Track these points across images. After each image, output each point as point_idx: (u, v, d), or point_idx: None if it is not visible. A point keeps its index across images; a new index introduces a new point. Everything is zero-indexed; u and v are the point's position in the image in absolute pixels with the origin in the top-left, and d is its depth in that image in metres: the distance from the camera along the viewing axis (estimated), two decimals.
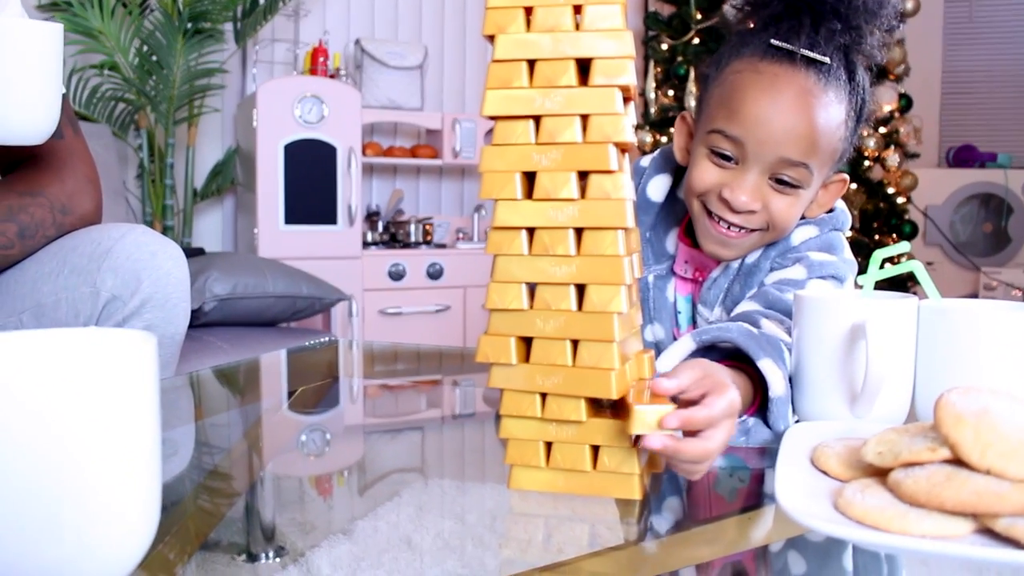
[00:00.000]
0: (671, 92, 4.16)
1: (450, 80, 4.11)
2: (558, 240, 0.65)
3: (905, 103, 4.04)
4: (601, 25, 0.64)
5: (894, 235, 3.97)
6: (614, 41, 0.64)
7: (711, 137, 1.05)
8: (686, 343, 0.90)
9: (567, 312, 0.65)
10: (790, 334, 0.88)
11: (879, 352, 0.73)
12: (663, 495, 0.72)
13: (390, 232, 3.68)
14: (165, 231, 3.17)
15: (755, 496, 0.75)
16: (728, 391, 0.67)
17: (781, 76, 1.02)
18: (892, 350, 0.77)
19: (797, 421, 0.83)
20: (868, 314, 0.76)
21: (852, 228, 3.88)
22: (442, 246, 3.72)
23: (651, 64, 4.22)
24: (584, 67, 0.65)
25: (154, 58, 3.11)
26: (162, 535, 0.58)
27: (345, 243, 3.31)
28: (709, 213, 1.08)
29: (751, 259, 1.11)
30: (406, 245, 3.61)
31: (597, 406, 0.70)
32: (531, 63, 0.66)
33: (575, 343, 0.66)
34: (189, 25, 3.08)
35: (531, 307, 0.66)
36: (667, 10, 4.28)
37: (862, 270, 0.87)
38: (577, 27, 0.65)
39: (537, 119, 0.66)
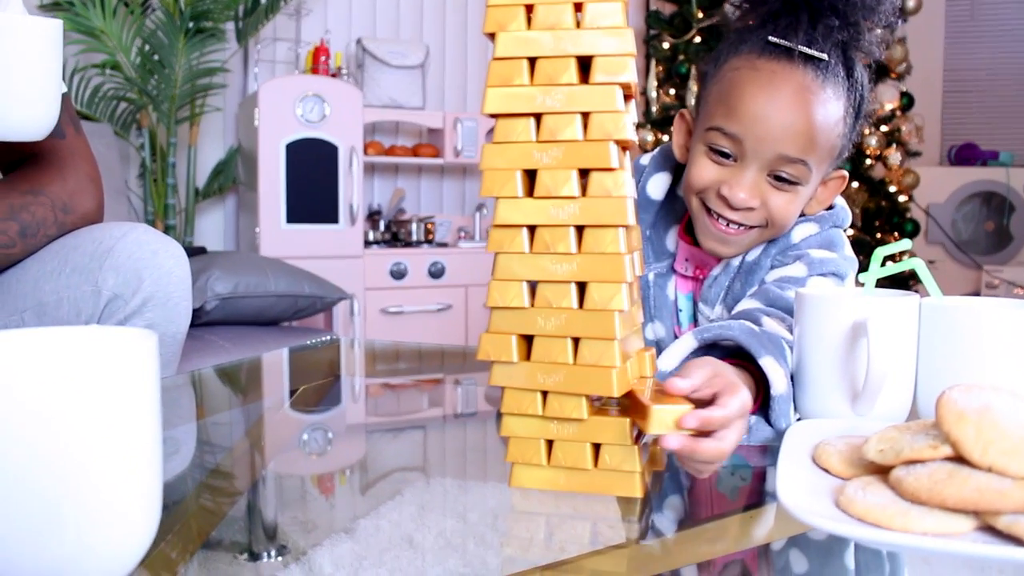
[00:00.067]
0: (672, 91, 4.16)
1: (451, 79, 4.11)
2: (559, 238, 0.65)
3: (907, 101, 4.04)
4: (602, 23, 0.64)
5: (896, 233, 3.97)
6: (615, 39, 0.64)
7: (710, 134, 1.05)
8: (687, 341, 0.89)
9: (568, 310, 0.65)
10: (791, 332, 0.87)
11: (881, 350, 0.73)
12: (664, 493, 0.72)
13: (392, 231, 3.68)
14: (167, 230, 3.17)
15: (757, 494, 0.75)
16: (741, 391, 0.68)
17: (779, 73, 1.02)
18: (894, 348, 0.77)
19: (799, 419, 0.83)
20: (870, 312, 0.76)
21: (854, 227, 3.88)
22: (444, 245, 3.72)
23: (652, 63, 4.22)
24: (585, 65, 0.65)
25: (156, 57, 3.11)
26: (164, 534, 0.58)
27: (347, 242, 3.31)
28: (708, 210, 1.08)
29: (752, 257, 1.11)
30: (408, 244, 3.61)
31: (602, 404, 0.70)
32: (532, 61, 0.65)
33: (576, 341, 0.66)
34: (191, 24, 3.09)
35: (532, 305, 0.66)
36: (668, 9, 4.27)
37: (864, 268, 0.87)
38: (578, 25, 0.65)
39: (538, 117, 0.66)
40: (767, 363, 0.81)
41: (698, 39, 4.06)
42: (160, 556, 0.56)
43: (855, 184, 3.94)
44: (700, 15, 4.03)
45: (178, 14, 3.05)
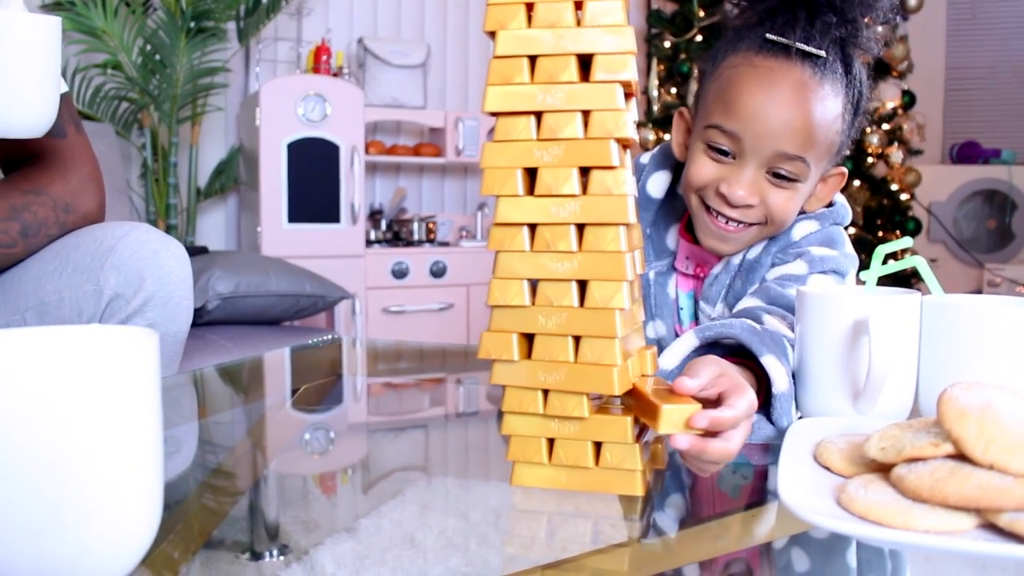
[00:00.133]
0: (674, 90, 4.16)
1: (453, 78, 4.11)
2: (559, 236, 0.65)
3: (908, 100, 4.04)
4: (602, 21, 0.64)
5: (898, 232, 3.97)
6: (615, 37, 0.64)
7: (708, 132, 1.06)
8: (689, 339, 0.89)
9: (569, 308, 0.65)
10: (792, 329, 0.87)
11: (882, 348, 0.73)
12: (666, 492, 0.72)
13: (393, 230, 3.68)
14: (169, 230, 3.17)
15: (758, 493, 0.74)
16: (748, 391, 0.68)
17: (777, 70, 1.02)
18: (895, 346, 0.77)
19: (800, 417, 0.83)
20: (871, 310, 0.75)
21: (856, 225, 3.88)
22: (445, 244, 3.72)
23: (654, 62, 4.22)
24: (585, 63, 0.65)
25: (157, 57, 3.11)
26: (165, 533, 0.58)
27: (348, 241, 3.31)
28: (707, 208, 1.08)
29: (752, 255, 1.11)
30: (409, 243, 3.62)
31: (603, 403, 0.70)
32: (532, 59, 0.65)
33: (577, 339, 0.65)
34: (192, 24, 3.09)
35: (533, 303, 0.66)
36: (670, 8, 4.28)
37: (865, 266, 0.87)
38: (578, 23, 0.65)
39: (538, 115, 0.66)
40: (769, 361, 0.81)
41: (699, 38, 4.06)
42: (162, 555, 0.56)
43: (857, 182, 3.94)
44: (701, 14, 4.03)
45: (179, 14, 3.05)
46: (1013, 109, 4.98)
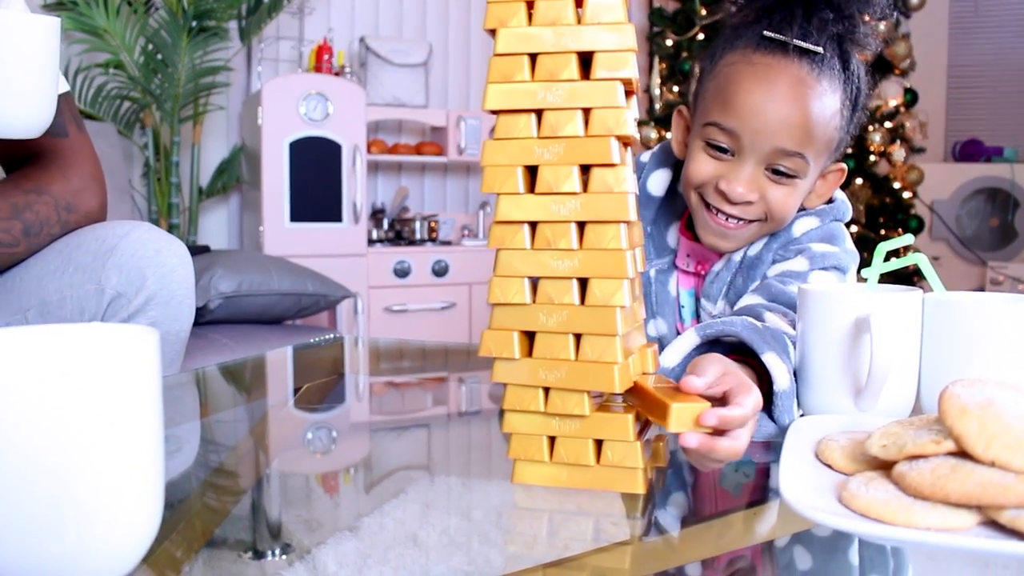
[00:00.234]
0: (676, 88, 4.16)
1: (454, 77, 4.11)
2: (560, 234, 0.65)
3: (911, 97, 4.04)
4: (603, 18, 0.64)
5: (900, 230, 3.97)
6: (616, 34, 0.64)
7: (707, 130, 1.06)
8: (690, 337, 0.89)
9: (570, 306, 0.65)
10: (794, 327, 0.87)
11: (883, 345, 0.73)
12: (667, 489, 0.72)
13: (395, 229, 3.68)
14: (171, 229, 3.17)
15: (760, 490, 0.74)
16: (754, 391, 0.68)
17: (774, 67, 1.02)
18: (897, 343, 0.77)
19: (802, 415, 0.83)
20: (872, 307, 0.75)
21: (858, 223, 3.88)
22: (447, 243, 3.72)
23: (656, 60, 4.22)
24: (586, 61, 0.65)
25: (159, 56, 3.11)
26: (168, 532, 0.58)
27: (350, 240, 3.31)
28: (707, 205, 1.08)
29: (753, 251, 1.11)
30: (411, 242, 3.62)
31: (604, 401, 0.70)
32: (533, 57, 0.65)
33: (578, 337, 0.65)
34: (194, 23, 3.09)
35: (534, 301, 0.66)
36: (671, 6, 4.28)
37: (867, 264, 0.87)
38: (579, 20, 0.65)
39: (539, 113, 0.66)
40: (770, 359, 0.81)
41: (701, 36, 4.06)
42: (164, 554, 0.56)
43: (859, 180, 3.94)
44: (703, 12, 4.03)
45: (181, 13, 3.05)
46: (1016, 107, 4.98)
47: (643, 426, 0.69)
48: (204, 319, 2.31)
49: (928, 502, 0.50)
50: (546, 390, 0.66)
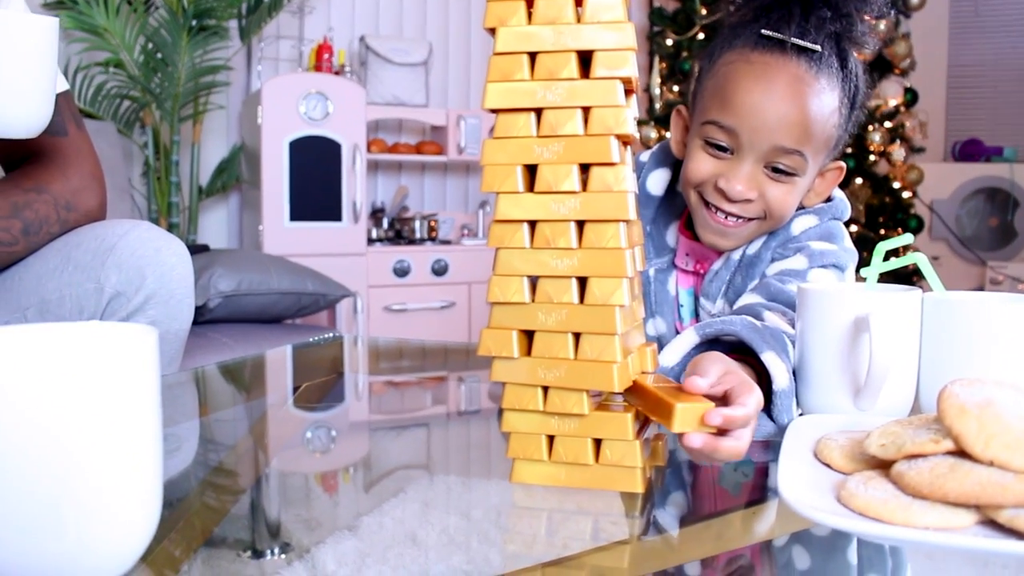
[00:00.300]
0: (676, 87, 4.16)
1: (455, 76, 4.11)
2: (559, 233, 0.65)
3: (911, 97, 4.04)
4: (602, 17, 0.64)
5: (899, 229, 3.97)
6: (615, 33, 0.64)
7: (705, 128, 1.06)
8: (690, 336, 0.89)
9: (569, 305, 0.65)
10: (793, 326, 0.87)
11: (883, 345, 0.72)
12: (666, 489, 0.72)
13: (395, 229, 3.68)
14: (170, 228, 3.17)
15: (759, 490, 0.74)
16: (755, 389, 0.68)
17: (772, 65, 1.02)
18: (896, 343, 0.77)
19: (801, 414, 0.83)
20: (872, 307, 0.75)
21: (857, 223, 3.88)
22: (447, 242, 3.72)
23: (656, 59, 4.22)
24: (585, 59, 0.65)
25: (159, 55, 3.11)
26: (167, 531, 0.58)
27: (350, 240, 3.31)
28: (706, 204, 1.09)
29: (752, 250, 1.11)
30: (411, 241, 3.62)
31: (603, 400, 0.70)
32: (532, 56, 0.65)
33: (577, 336, 0.65)
34: (194, 22, 3.09)
35: (533, 300, 0.66)
36: (671, 5, 4.28)
37: (866, 263, 0.87)
38: (578, 19, 0.65)
39: (538, 112, 0.66)
40: (769, 358, 0.81)
41: (701, 35, 4.06)
42: (163, 553, 0.56)
43: (859, 180, 3.94)
44: (703, 11, 4.03)
45: (181, 12, 3.05)
46: (1015, 107, 4.98)
47: (642, 425, 0.69)
48: (203, 318, 2.31)
49: (927, 501, 0.50)
50: (545, 389, 0.66)
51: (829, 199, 1.15)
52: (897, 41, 3.94)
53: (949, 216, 4.65)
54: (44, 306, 1.13)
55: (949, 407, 0.52)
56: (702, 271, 1.16)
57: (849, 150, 3.86)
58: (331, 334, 2.37)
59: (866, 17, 1.04)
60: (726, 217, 1.07)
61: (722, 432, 0.64)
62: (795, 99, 1.01)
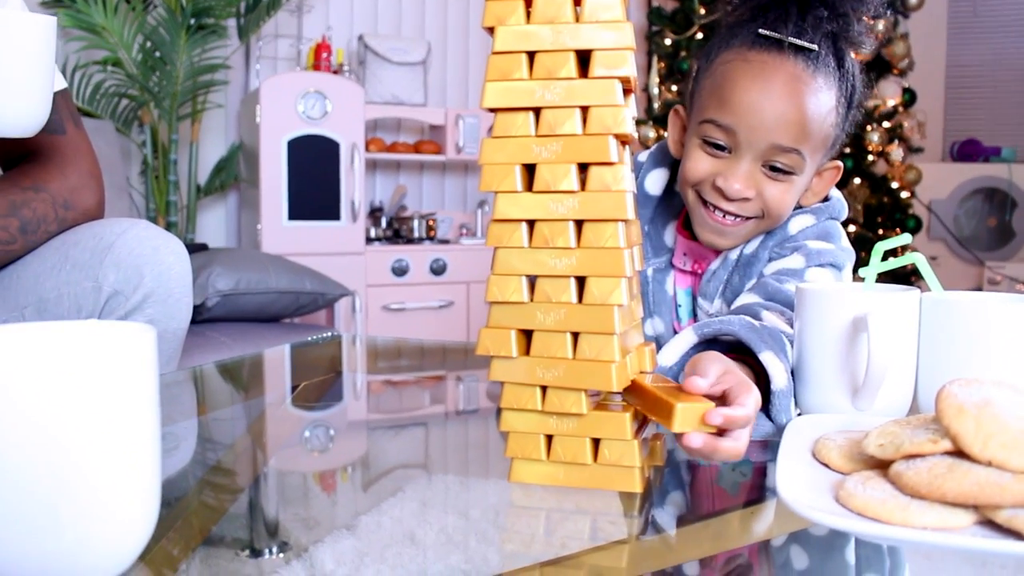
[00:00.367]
0: (675, 87, 4.16)
1: (453, 75, 4.11)
2: (558, 232, 0.65)
3: (909, 97, 4.04)
4: (601, 16, 0.64)
5: (898, 229, 3.98)
6: (614, 32, 0.64)
7: (703, 127, 1.06)
8: (688, 336, 0.90)
9: (567, 305, 0.65)
10: (791, 325, 0.87)
11: (881, 345, 0.73)
12: (665, 488, 0.72)
13: (393, 228, 3.68)
14: (168, 227, 3.17)
15: (757, 489, 0.74)
16: (754, 390, 0.68)
17: (770, 64, 1.03)
18: (894, 343, 0.77)
19: (799, 414, 0.83)
20: (870, 307, 0.75)
21: (856, 223, 3.88)
22: (445, 242, 3.72)
23: (654, 59, 4.22)
24: (584, 59, 0.65)
25: (157, 54, 3.11)
26: (165, 530, 0.58)
27: (348, 239, 3.31)
28: (704, 202, 1.09)
29: (749, 249, 1.12)
30: (409, 241, 3.62)
31: (602, 399, 0.70)
32: (531, 55, 0.65)
33: (575, 336, 0.65)
34: (192, 21, 3.08)
35: (531, 299, 0.66)
36: (670, 5, 4.28)
37: (864, 263, 0.87)
38: (577, 19, 0.65)
39: (537, 111, 0.65)
40: (767, 358, 0.81)
41: (700, 35, 4.06)
42: (161, 552, 0.56)
43: (857, 180, 3.94)
44: (702, 11, 4.03)
45: (179, 11, 3.05)
46: (1014, 107, 4.98)
47: (640, 425, 0.69)
48: (202, 317, 2.31)
49: (925, 501, 0.50)
50: (543, 388, 0.66)
51: (826, 199, 1.15)
52: (896, 41, 3.95)
53: (947, 216, 4.66)
54: (42, 305, 1.13)
55: (947, 407, 0.52)
56: (700, 271, 1.16)
57: (847, 150, 3.86)
58: (329, 333, 2.37)
59: (863, 17, 1.04)
60: (724, 216, 1.08)
61: (721, 432, 0.64)
62: (793, 98, 1.02)
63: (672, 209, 1.21)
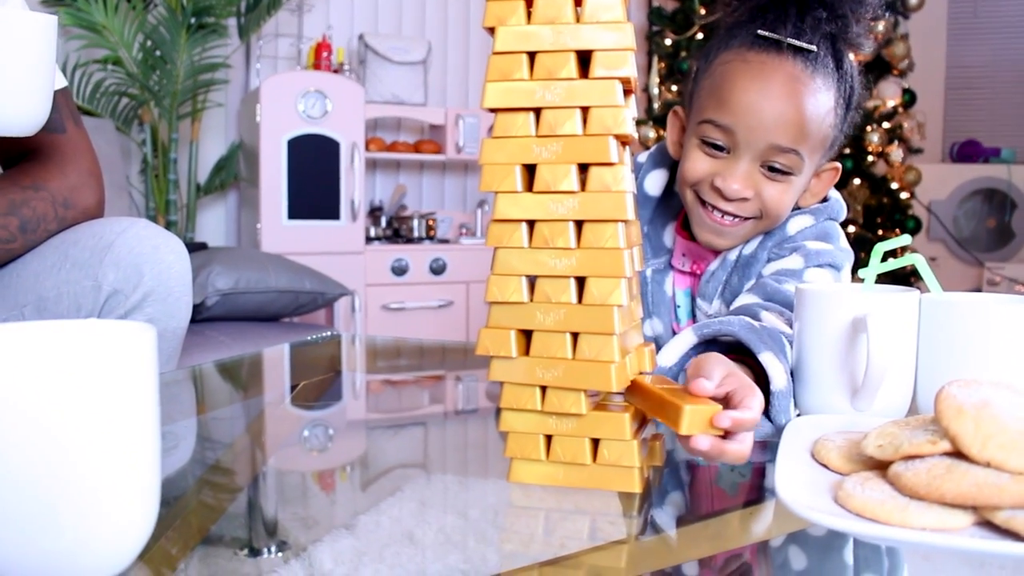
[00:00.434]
0: (675, 87, 4.16)
1: (453, 75, 4.11)
2: (558, 233, 0.65)
3: (909, 98, 4.04)
4: (602, 17, 0.64)
5: (897, 230, 3.98)
6: (615, 33, 0.64)
7: (702, 128, 1.07)
8: (687, 337, 0.90)
9: (567, 305, 0.65)
10: (790, 326, 0.87)
11: (880, 345, 0.73)
12: (664, 489, 0.72)
13: (393, 227, 3.68)
14: (168, 226, 3.17)
15: (756, 490, 0.74)
16: (757, 392, 0.68)
17: (768, 64, 1.03)
18: (893, 343, 0.77)
19: (798, 415, 0.83)
20: (869, 307, 0.75)
21: (855, 223, 3.88)
22: (445, 241, 3.72)
23: (655, 59, 4.22)
24: (585, 59, 0.65)
25: (158, 53, 3.11)
26: (164, 529, 0.58)
27: (348, 238, 3.31)
28: (703, 203, 1.09)
29: (748, 250, 1.12)
30: (409, 240, 3.62)
31: (602, 400, 0.70)
32: (531, 55, 0.65)
33: (575, 336, 0.65)
34: (193, 20, 3.08)
35: (531, 300, 0.66)
36: (671, 5, 4.28)
37: (864, 264, 0.87)
38: (577, 19, 0.65)
39: (537, 111, 0.66)
40: (767, 359, 0.81)
41: (700, 35, 4.06)
42: (160, 551, 0.56)
43: (857, 181, 3.94)
44: (702, 11, 4.03)
45: (180, 10, 3.05)
46: (1013, 108, 4.98)
47: (640, 425, 0.69)
48: (201, 316, 2.31)
49: (924, 502, 0.50)
50: (543, 389, 0.66)
51: (825, 199, 1.15)
52: (895, 42, 3.95)
53: (947, 217, 4.66)
54: (42, 303, 1.13)
55: (946, 408, 0.52)
56: (699, 272, 1.16)
57: (847, 151, 3.86)
58: (329, 332, 2.37)
59: (862, 18, 1.04)
60: (723, 216, 1.08)
61: (726, 435, 0.64)
62: (791, 98, 1.02)
63: (671, 210, 1.21)
